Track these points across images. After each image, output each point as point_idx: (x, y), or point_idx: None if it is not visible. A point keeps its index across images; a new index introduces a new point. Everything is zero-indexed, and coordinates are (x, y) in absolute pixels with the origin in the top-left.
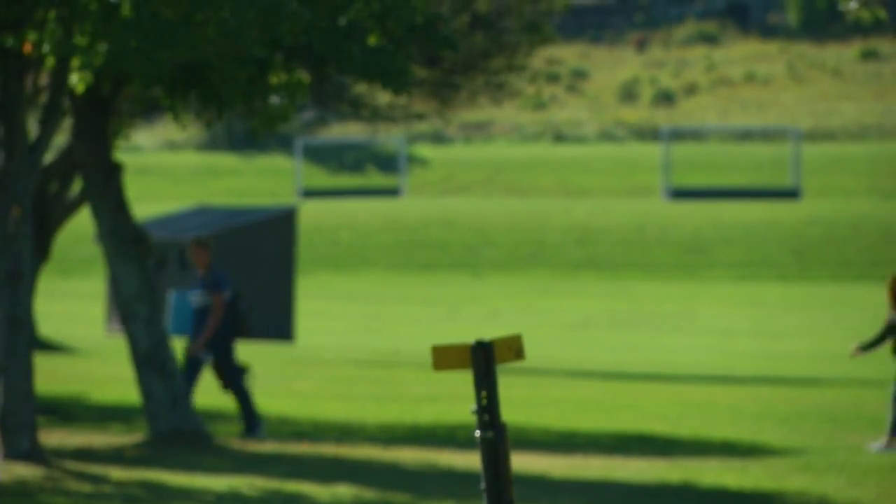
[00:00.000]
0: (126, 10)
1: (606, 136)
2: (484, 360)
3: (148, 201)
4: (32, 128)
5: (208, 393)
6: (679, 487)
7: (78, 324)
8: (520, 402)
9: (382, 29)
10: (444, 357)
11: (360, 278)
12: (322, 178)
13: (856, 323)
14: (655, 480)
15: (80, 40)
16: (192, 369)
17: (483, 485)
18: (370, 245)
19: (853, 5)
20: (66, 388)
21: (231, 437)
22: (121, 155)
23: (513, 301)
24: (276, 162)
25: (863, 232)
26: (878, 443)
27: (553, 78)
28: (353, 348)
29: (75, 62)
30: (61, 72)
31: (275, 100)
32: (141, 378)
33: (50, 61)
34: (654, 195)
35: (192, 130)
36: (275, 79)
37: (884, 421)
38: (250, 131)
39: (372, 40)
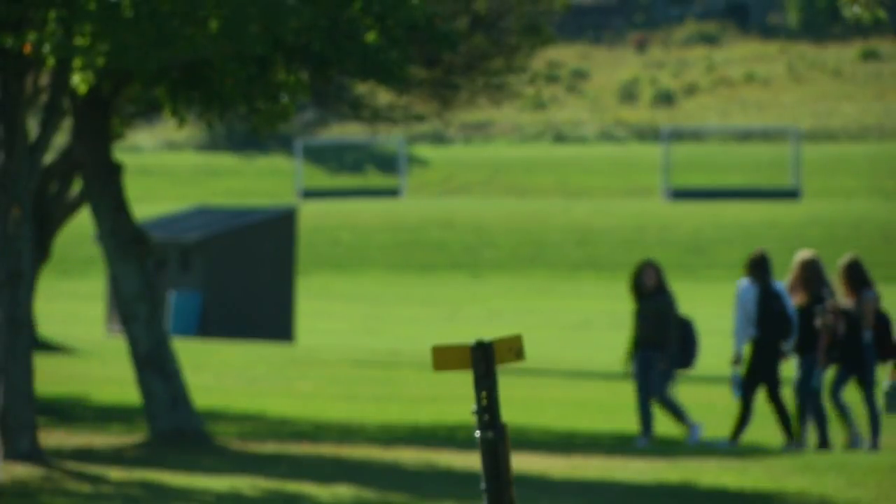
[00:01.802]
0: (126, 8)
1: (606, 137)
2: (484, 360)
3: (148, 201)
4: (32, 128)
5: (208, 393)
6: (679, 487)
7: (78, 324)
8: (520, 402)
9: (382, 27)
10: (444, 357)
11: (360, 278)
12: (322, 178)
13: None
14: (655, 480)
15: (81, 40)
16: None
17: (483, 485)
18: (370, 245)
19: (856, 10)
20: (67, 389)
21: (231, 438)
22: (121, 155)
23: (513, 301)
24: (276, 162)
25: (863, 232)
26: (695, 436)
27: (553, 78)
28: (353, 349)
29: (76, 63)
30: (61, 72)
31: (283, 98)
32: (141, 378)
33: (50, 62)
34: (654, 195)
35: (192, 130)
36: (276, 78)
37: (882, 420)
38: (251, 130)
39: (370, 37)
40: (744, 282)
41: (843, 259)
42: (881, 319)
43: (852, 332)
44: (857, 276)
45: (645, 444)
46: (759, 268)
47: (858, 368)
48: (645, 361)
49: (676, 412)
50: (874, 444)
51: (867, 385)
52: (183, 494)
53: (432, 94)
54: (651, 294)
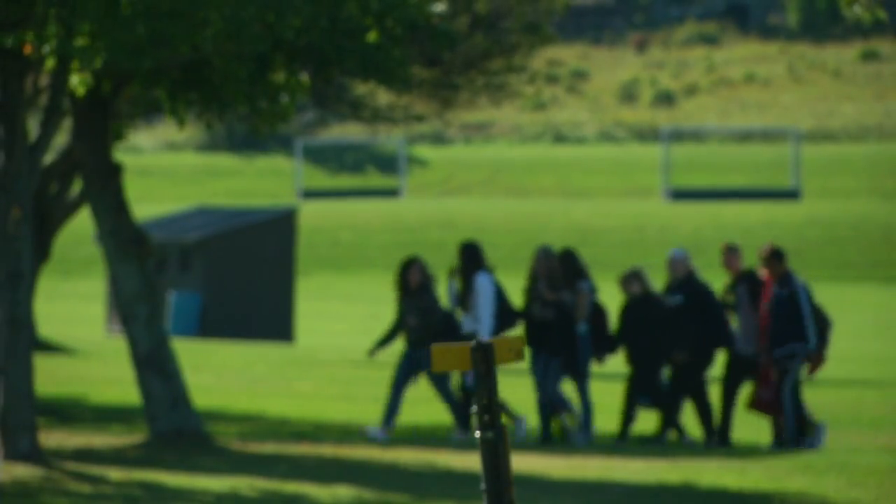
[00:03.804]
0: (126, 7)
1: (606, 137)
2: (484, 360)
3: (148, 202)
4: (32, 128)
5: (208, 393)
6: (679, 488)
7: (78, 324)
8: (520, 403)
9: (381, 27)
10: (444, 357)
11: (360, 279)
12: (322, 178)
13: (856, 324)
14: (655, 481)
15: (81, 40)
16: None
17: (483, 485)
18: (370, 245)
19: (857, 10)
20: (67, 389)
21: (231, 438)
22: (121, 155)
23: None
24: (276, 163)
25: (863, 232)
26: (376, 429)
27: (553, 78)
28: (354, 349)
29: (76, 63)
30: (61, 73)
31: (283, 98)
32: (141, 379)
33: (50, 63)
34: (654, 196)
35: (192, 131)
36: (276, 78)
37: (883, 421)
38: (251, 131)
39: (372, 38)
40: (483, 277)
41: (559, 251)
42: (598, 312)
43: (565, 324)
44: (570, 268)
45: (384, 436)
46: (478, 259)
47: (571, 359)
48: (414, 361)
49: (454, 406)
50: (587, 436)
51: (580, 377)
52: (183, 495)
53: (432, 94)
54: (415, 291)
